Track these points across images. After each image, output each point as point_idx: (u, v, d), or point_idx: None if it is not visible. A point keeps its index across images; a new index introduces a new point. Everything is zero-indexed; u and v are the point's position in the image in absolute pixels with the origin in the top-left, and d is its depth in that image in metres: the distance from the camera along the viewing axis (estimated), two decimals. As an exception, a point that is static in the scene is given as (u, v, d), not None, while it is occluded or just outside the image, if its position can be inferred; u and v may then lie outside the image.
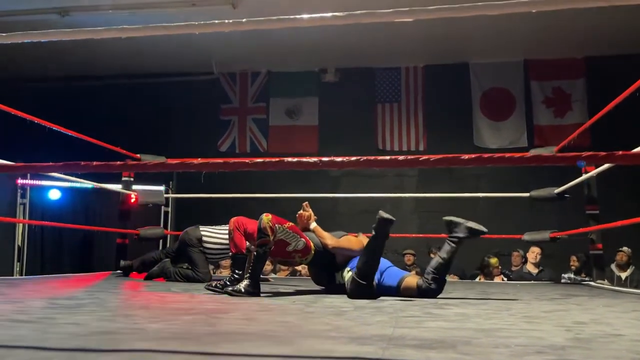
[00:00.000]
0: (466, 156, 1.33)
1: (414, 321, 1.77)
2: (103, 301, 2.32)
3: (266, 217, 2.80)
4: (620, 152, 1.22)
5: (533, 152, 4.69)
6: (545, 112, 7.81)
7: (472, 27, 6.47)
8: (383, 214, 2.69)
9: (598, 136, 6.78)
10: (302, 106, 8.30)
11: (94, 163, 1.42)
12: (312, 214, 3.21)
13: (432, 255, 6.28)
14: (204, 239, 4.01)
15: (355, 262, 3.03)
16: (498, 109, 7.89)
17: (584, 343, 1.30)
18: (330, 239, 3.09)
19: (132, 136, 7.88)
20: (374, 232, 2.71)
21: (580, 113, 7.67)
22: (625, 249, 5.95)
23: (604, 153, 1.23)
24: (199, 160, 1.48)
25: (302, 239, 2.98)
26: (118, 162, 1.48)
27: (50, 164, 1.62)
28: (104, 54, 7.36)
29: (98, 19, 6.20)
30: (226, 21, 1.40)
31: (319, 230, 3.14)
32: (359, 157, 1.35)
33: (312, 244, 3.05)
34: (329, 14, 1.30)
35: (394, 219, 2.69)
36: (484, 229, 2.76)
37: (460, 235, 2.76)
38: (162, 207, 6.81)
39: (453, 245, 2.76)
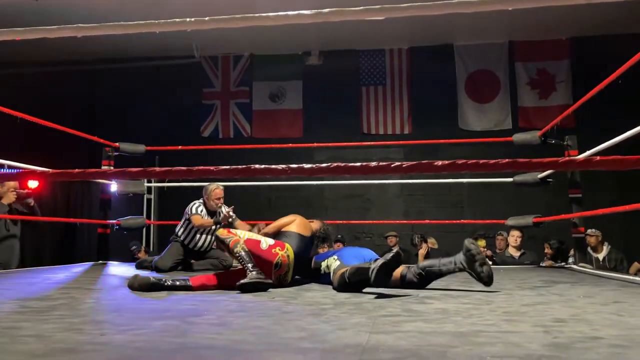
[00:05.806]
0: (439, 162, 1.30)
1: (392, 322, 1.74)
2: (76, 302, 2.26)
3: (219, 230, 2.98)
4: (598, 158, 1.18)
5: (516, 137, 4.69)
6: (530, 94, 7.79)
7: (456, 8, 6.37)
8: (386, 260, 2.52)
9: (582, 118, 6.79)
10: (286, 90, 8.19)
11: (51, 171, 1.36)
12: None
13: (421, 246, 6.16)
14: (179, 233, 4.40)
15: (342, 251, 3.06)
16: (483, 91, 7.86)
17: (561, 351, 1.27)
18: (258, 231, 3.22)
19: (112, 122, 7.74)
20: (385, 263, 2.52)
21: (564, 94, 7.67)
22: (590, 231, 5.61)
23: (581, 158, 1.20)
24: (162, 169, 1.43)
25: (264, 237, 3.02)
26: (76, 170, 1.42)
27: (7, 172, 1.55)
28: (82, 38, 7.14)
29: (72, 1, 6.01)
30: (187, 20, 1.33)
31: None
32: (329, 164, 1.31)
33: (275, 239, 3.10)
34: (295, 12, 1.23)
35: (392, 265, 2.53)
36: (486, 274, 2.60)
37: (465, 265, 2.66)
38: (145, 195, 6.72)
39: (457, 269, 2.69)
